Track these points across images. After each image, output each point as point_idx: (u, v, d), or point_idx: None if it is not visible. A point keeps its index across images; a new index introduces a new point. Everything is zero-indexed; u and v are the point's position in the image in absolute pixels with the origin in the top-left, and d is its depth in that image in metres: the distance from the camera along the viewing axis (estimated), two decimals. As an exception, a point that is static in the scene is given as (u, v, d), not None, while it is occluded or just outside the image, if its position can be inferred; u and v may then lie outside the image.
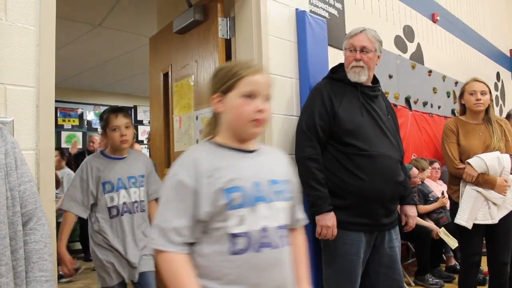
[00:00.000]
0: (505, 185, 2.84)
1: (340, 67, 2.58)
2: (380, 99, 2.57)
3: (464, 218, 2.85)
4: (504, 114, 6.96)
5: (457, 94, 3.48)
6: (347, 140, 2.34)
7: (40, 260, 1.32)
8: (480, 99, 2.97)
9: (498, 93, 7.05)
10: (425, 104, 4.69)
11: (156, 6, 4.00)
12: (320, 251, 2.51)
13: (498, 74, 7.16)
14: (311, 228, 2.69)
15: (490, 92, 3.05)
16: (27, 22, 1.75)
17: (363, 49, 2.43)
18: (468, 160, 2.89)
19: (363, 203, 2.31)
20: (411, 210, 2.57)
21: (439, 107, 4.94)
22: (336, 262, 2.37)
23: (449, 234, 4.06)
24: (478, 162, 2.85)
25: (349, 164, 2.32)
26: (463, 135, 2.99)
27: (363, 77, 2.45)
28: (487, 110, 3.03)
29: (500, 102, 7.10)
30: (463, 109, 3.12)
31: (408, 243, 4.49)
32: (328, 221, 2.27)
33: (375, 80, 2.58)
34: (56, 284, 1.38)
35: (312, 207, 2.33)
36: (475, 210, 2.84)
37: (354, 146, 2.32)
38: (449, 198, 3.13)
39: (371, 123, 2.40)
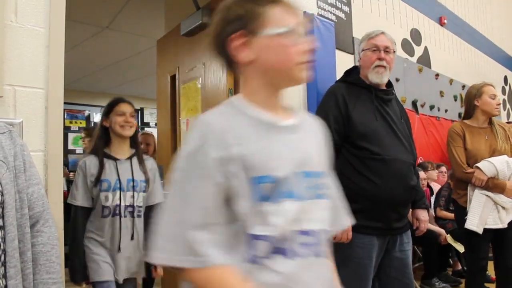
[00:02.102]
0: None
1: (353, 70, 2.57)
2: (394, 103, 2.55)
3: (474, 223, 2.82)
4: (512, 118, 6.95)
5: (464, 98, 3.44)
6: (360, 144, 2.32)
7: (48, 262, 1.33)
8: (500, 104, 2.98)
9: (506, 97, 7.02)
10: (432, 107, 4.68)
11: (163, 8, 4.01)
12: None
13: (505, 78, 7.13)
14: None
15: None
16: (36, 24, 1.76)
17: (386, 49, 2.43)
18: (477, 164, 2.86)
19: (376, 207, 2.29)
20: (423, 214, 2.55)
21: (446, 111, 4.92)
22: (347, 266, 2.35)
23: (455, 241, 4.05)
24: (488, 166, 2.83)
25: (362, 167, 2.30)
26: (470, 139, 2.97)
27: (385, 78, 2.44)
28: None
29: (508, 106, 7.07)
30: (472, 111, 3.08)
31: (415, 247, 4.47)
32: None
33: (388, 84, 2.57)
34: (63, 286, 1.38)
35: None
36: (485, 214, 2.82)
37: (368, 149, 2.30)
38: (456, 202, 3.09)
39: (384, 126, 2.38)
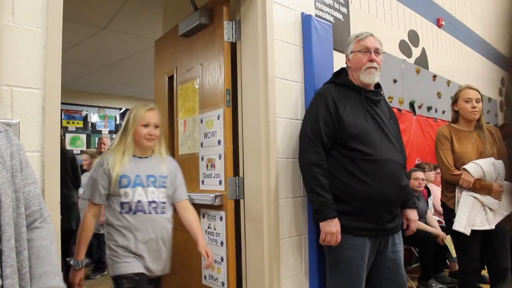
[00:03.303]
0: (501, 190, 2.84)
1: (342, 72, 2.58)
2: (383, 104, 2.57)
3: (462, 225, 2.84)
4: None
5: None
6: (352, 145, 2.33)
7: (49, 255, 1.33)
8: (475, 107, 2.98)
9: (503, 99, 7.03)
10: (429, 109, 4.68)
11: (161, 9, 4.01)
12: (324, 257, 2.50)
13: (502, 80, 7.14)
14: (316, 233, 2.68)
15: (482, 100, 3.05)
16: (34, 24, 1.76)
17: (376, 51, 2.44)
18: (465, 166, 2.88)
19: (369, 208, 2.30)
20: (413, 214, 2.57)
21: (443, 112, 4.93)
22: (340, 268, 2.36)
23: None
24: (475, 168, 2.85)
25: (354, 169, 2.31)
26: (457, 142, 2.99)
27: (377, 78, 2.46)
28: (478, 118, 3.03)
29: (505, 107, 7.08)
30: (456, 116, 3.11)
31: (412, 248, 4.47)
32: (333, 227, 2.26)
33: (377, 85, 2.58)
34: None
35: (317, 214, 2.32)
36: (473, 216, 2.84)
37: (359, 151, 2.31)
38: (444, 205, 3.10)
39: (375, 127, 2.39)
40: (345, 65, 2.61)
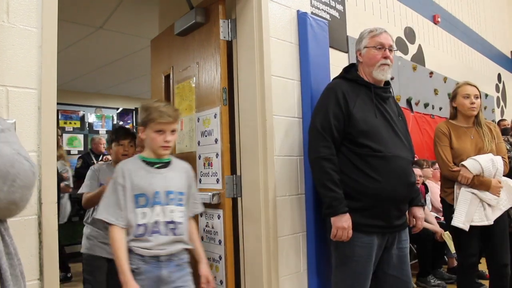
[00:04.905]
0: (499, 186, 2.86)
1: (351, 68, 2.57)
2: (391, 101, 2.57)
3: (461, 220, 2.85)
4: (506, 115, 6.98)
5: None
6: (361, 141, 2.32)
7: None
8: (474, 103, 2.98)
9: (500, 95, 7.05)
10: (426, 105, 4.69)
11: (157, 8, 4.00)
12: (323, 254, 2.50)
13: (499, 76, 7.16)
14: (316, 231, 2.69)
15: (480, 96, 3.06)
16: (29, 24, 1.76)
17: (390, 47, 2.44)
18: (463, 163, 2.89)
19: (378, 205, 2.29)
20: (420, 212, 2.56)
21: (440, 109, 4.94)
22: (347, 265, 2.35)
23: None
24: (473, 164, 2.86)
25: (363, 165, 2.30)
26: (456, 138, 3.00)
27: (389, 75, 2.46)
28: (477, 114, 3.04)
29: (502, 103, 7.10)
30: (455, 113, 3.12)
31: (411, 244, 4.48)
32: (344, 222, 2.25)
33: (386, 82, 2.57)
34: None
35: (328, 209, 2.30)
36: (471, 212, 2.85)
37: (369, 147, 2.30)
38: (443, 201, 3.11)
39: (384, 124, 2.38)
40: (343, 63, 2.60)
